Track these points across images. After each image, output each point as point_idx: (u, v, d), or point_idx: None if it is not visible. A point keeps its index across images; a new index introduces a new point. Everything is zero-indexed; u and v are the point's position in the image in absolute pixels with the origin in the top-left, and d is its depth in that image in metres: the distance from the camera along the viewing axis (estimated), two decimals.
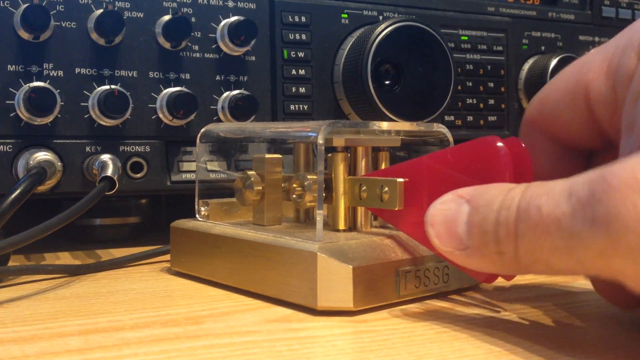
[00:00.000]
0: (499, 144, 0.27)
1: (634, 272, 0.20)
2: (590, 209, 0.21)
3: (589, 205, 0.21)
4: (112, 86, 0.44)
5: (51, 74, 0.43)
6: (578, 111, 0.28)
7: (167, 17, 0.46)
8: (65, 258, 0.45)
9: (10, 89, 0.42)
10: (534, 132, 0.30)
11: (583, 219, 0.21)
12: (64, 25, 0.44)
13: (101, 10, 0.44)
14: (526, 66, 0.61)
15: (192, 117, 0.47)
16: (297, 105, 0.51)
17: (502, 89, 0.59)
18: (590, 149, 0.30)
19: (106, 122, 0.44)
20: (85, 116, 0.44)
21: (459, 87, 0.57)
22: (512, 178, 0.27)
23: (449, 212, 0.25)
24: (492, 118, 0.59)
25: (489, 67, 0.59)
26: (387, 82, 0.50)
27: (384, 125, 0.35)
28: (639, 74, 0.24)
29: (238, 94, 0.48)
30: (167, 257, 0.40)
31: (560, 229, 0.21)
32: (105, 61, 0.45)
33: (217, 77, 0.48)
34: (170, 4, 0.47)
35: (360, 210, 0.35)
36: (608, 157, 0.30)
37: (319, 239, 0.31)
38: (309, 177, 0.34)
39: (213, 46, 0.48)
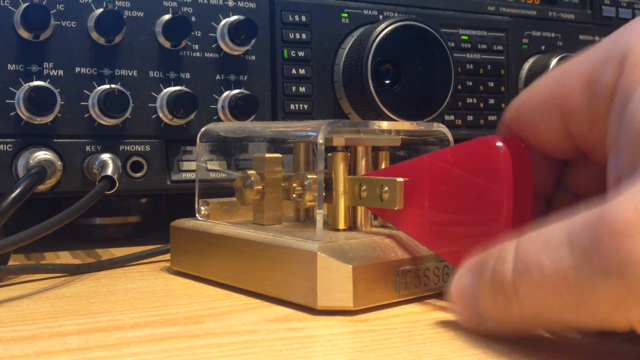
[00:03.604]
0: (499, 143, 0.27)
1: None
2: (598, 259, 0.19)
3: (596, 255, 0.19)
4: (112, 85, 0.44)
5: (51, 73, 0.43)
6: (552, 124, 0.27)
7: (167, 17, 0.46)
8: (65, 257, 0.45)
9: (11, 88, 0.42)
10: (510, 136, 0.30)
11: (592, 271, 0.19)
12: (64, 24, 0.44)
13: (101, 10, 0.44)
14: (526, 66, 0.61)
15: (192, 116, 0.47)
16: (297, 105, 0.51)
17: (502, 89, 0.59)
18: (564, 159, 0.29)
19: (106, 121, 0.44)
20: (86, 115, 0.44)
21: (459, 87, 0.57)
22: (511, 177, 0.27)
23: (462, 287, 0.25)
24: (492, 118, 0.59)
25: (489, 66, 0.59)
26: (387, 82, 0.50)
27: (384, 124, 0.35)
28: (620, 92, 0.23)
29: (238, 93, 0.48)
30: (167, 256, 0.40)
31: (569, 286, 0.20)
32: (106, 60, 0.45)
33: (217, 77, 0.48)
34: (170, 3, 0.47)
35: (360, 210, 0.35)
36: (582, 167, 0.29)
37: (319, 238, 0.31)
38: (309, 176, 0.34)
39: (213, 45, 0.48)
